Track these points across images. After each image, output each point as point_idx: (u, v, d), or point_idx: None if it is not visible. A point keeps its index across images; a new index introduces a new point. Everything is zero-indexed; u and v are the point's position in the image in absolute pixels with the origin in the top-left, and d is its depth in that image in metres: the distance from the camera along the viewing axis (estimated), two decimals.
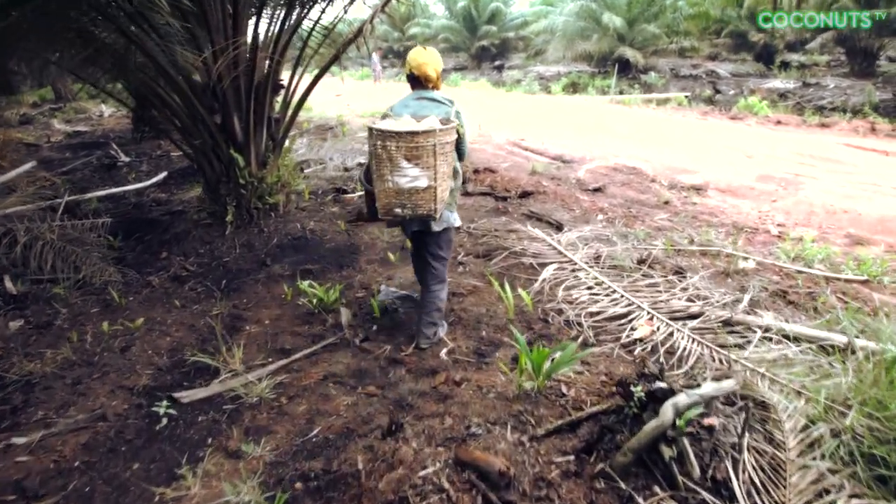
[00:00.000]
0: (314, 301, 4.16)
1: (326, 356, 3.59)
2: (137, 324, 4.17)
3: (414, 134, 2.77)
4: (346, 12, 5.78)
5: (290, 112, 5.84)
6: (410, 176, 2.83)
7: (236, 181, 5.52)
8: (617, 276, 4.18)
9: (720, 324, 3.38)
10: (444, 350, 3.42)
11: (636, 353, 3.19)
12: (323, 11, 5.49)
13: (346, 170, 8.39)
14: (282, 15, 5.10)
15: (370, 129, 2.87)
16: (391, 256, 4.93)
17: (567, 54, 24.31)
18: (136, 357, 3.82)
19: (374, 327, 3.81)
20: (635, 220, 5.56)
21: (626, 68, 22.51)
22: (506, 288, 3.72)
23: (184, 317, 4.37)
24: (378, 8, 4.82)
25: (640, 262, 4.37)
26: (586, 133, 11.00)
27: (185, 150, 5.70)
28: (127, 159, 10.40)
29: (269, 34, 5.38)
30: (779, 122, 12.00)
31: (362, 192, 7.05)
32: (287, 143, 6.09)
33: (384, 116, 3.21)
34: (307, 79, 5.81)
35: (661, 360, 3.10)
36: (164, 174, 8.76)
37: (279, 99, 5.92)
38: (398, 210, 2.92)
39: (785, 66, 22.76)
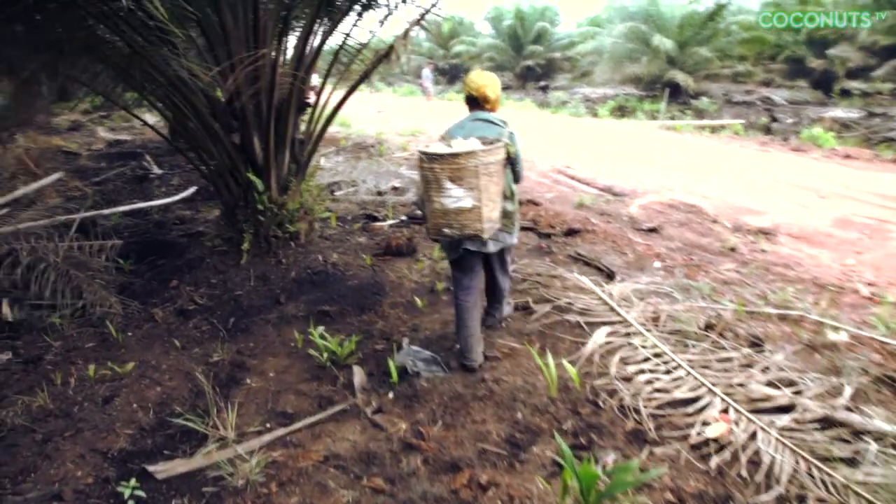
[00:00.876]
0: (325, 354, 3.63)
1: (332, 428, 3.04)
2: (127, 368, 3.70)
3: (455, 155, 2.84)
4: (382, 25, 5.31)
5: (316, 132, 5.37)
6: (455, 196, 2.90)
7: (254, 207, 5.06)
8: (680, 344, 3.53)
9: (817, 423, 2.70)
10: (470, 433, 2.83)
11: (712, 462, 2.53)
12: (354, 25, 5.02)
13: (380, 193, 7.90)
14: (307, 28, 4.64)
15: (419, 154, 2.99)
16: (418, 301, 4.37)
17: (615, 76, 23.61)
18: (118, 411, 3.34)
19: (391, 394, 3.25)
20: (698, 271, 4.88)
21: (676, 93, 21.65)
22: (548, 359, 3.11)
23: (181, 361, 3.88)
24: (411, 25, 4.33)
25: (708, 327, 3.70)
26: (637, 162, 10.31)
27: (203, 170, 5.27)
28: (160, 171, 10.16)
29: (296, 49, 4.94)
30: (847, 156, 11.06)
31: (394, 221, 6.56)
32: (312, 165, 5.62)
33: (442, 138, 3.27)
34: (341, 96, 5.35)
35: (744, 473, 2.44)
36: (192, 189, 8.43)
37: (305, 118, 5.47)
38: (446, 230, 3.00)
39: (845, 93, 21.55)
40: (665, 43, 20.17)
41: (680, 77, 21.08)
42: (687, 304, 4.10)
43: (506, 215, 3.27)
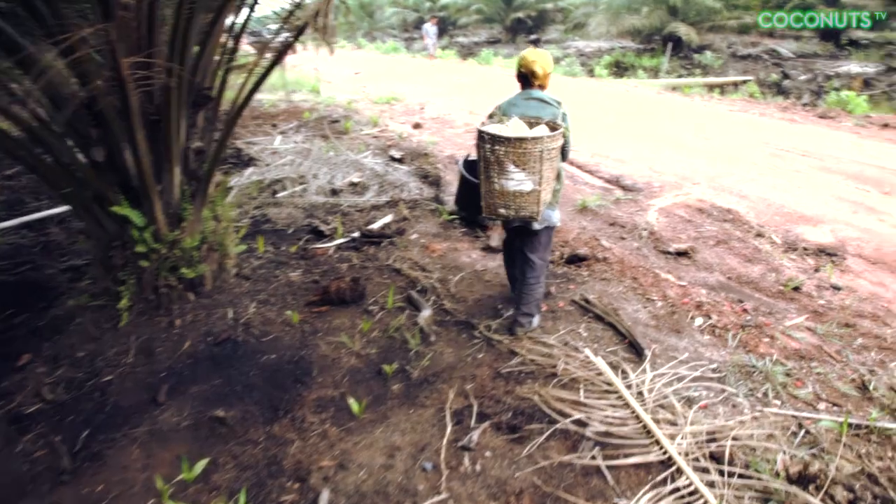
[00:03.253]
0: None
1: None
2: None
3: (523, 140, 2.83)
4: None
5: (219, 135, 3.87)
6: (517, 180, 2.92)
7: (134, 248, 3.59)
8: None
9: None
10: None
11: None
12: None
13: (334, 192, 6.38)
14: None
15: (479, 133, 2.96)
16: (354, 405, 2.95)
17: (611, 29, 21.75)
18: None
19: None
20: (758, 336, 3.44)
21: (677, 46, 19.93)
22: None
23: None
24: None
25: (802, 478, 2.32)
26: (646, 139, 8.75)
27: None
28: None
29: (175, 19, 3.37)
30: (886, 125, 9.55)
31: (343, 240, 5.09)
32: (218, 180, 4.13)
33: (491, 115, 3.29)
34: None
35: None
36: None
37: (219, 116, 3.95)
38: (502, 210, 3.04)
39: (854, 44, 19.76)
40: None
41: (682, 29, 19.43)
42: (756, 411, 2.71)
43: (552, 194, 3.28)
